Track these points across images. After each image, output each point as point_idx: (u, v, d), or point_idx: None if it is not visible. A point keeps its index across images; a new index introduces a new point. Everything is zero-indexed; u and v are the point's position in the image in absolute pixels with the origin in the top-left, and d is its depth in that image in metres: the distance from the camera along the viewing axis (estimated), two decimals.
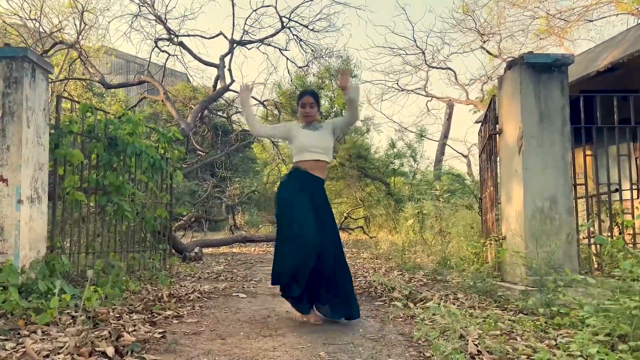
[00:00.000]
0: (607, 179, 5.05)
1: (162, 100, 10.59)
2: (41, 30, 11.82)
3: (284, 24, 11.71)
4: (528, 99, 4.65)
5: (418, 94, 19.39)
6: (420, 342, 3.00)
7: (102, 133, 5.44)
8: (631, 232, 5.12)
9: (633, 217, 5.08)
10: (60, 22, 12.63)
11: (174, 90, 15.88)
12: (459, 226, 7.64)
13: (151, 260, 6.11)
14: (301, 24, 12.12)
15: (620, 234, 5.16)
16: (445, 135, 20.58)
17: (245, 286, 5.69)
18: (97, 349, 2.61)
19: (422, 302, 4.17)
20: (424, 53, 17.95)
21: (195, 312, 4.12)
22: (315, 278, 3.63)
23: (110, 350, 2.58)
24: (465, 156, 21.37)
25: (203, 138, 15.67)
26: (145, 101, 14.92)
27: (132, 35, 42.01)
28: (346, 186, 16.85)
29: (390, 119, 33.71)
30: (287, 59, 13.72)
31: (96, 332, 2.95)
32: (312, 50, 12.89)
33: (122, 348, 2.69)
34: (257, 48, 12.44)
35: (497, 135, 5.22)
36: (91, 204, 5.50)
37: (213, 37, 11.86)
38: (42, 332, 3.03)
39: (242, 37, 11.75)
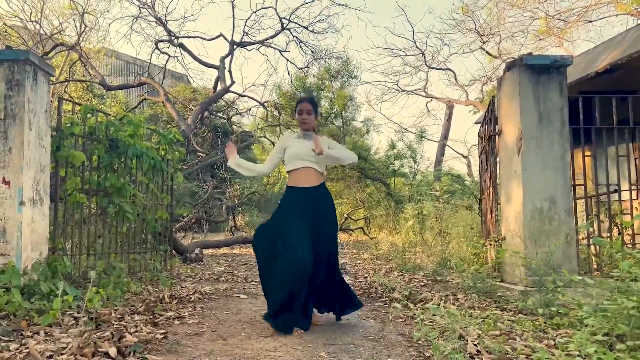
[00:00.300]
0: (606, 179, 5.07)
1: (163, 102, 10.61)
2: (42, 32, 11.85)
3: (284, 26, 11.73)
4: (527, 100, 4.67)
5: (418, 94, 19.43)
6: (420, 342, 3.02)
7: (103, 135, 5.47)
8: (630, 232, 5.15)
9: (632, 217, 5.11)
10: (60, 23, 12.66)
11: (174, 92, 15.90)
12: (459, 227, 7.67)
13: (152, 262, 6.14)
14: (301, 26, 12.15)
15: (619, 234, 5.17)
16: (445, 136, 20.62)
17: (246, 287, 5.71)
18: (99, 349, 2.64)
19: (422, 303, 4.19)
20: (423, 54, 17.99)
21: (197, 313, 4.14)
22: (311, 289, 3.58)
23: (112, 351, 2.60)
24: (465, 157, 21.41)
25: (203, 139, 15.69)
26: (145, 102, 14.92)
27: (132, 37, 42.01)
28: (346, 187, 16.87)
29: (390, 119, 33.84)
30: (287, 60, 13.74)
31: (98, 333, 2.97)
32: (312, 51, 12.93)
33: (124, 349, 2.71)
34: (257, 49, 12.47)
35: (497, 136, 5.24)
36: (92, 206, 5.53)
37: (213, 39, 11.89)
38: (45, 333, 3.06)
39: (242, 38, 11.78)
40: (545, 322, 3.21)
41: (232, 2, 11.24)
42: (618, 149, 5.03)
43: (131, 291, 4.72)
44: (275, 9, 11.57)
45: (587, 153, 5.19)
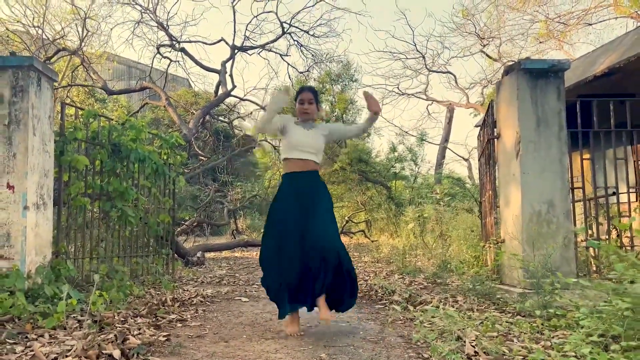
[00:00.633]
0: (604, 182, 5.11)
1: (165, 106, 10.68)
2: (44, 37, 11.92)
3: (285, 30, 11.81)
4: (525, 104, 4.72)
5: (418, 97, 19.50)
6: (419, 344, 3.07)
7: (106, 139, 5.52)
8: (629, 234, 5.19)
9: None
10: (62, 28, 12.73)
11: (175, 96, 15.99)
12: (459, 230, 7.71)
13: (154, 265, 6.19)
14: (302, 30, 12.23)
15: (618, 236, 5.22)
16: (445, 139, 20.65)
17: (247, 290, 5.76)
18: (103, 351, 2.68)
19: (421, 305, 4.23)
20: (424, 57, 18.07)
21: (199, 315, 4.19)
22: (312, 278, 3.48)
23: (116, 353, 2.64)
24: (466, 159, 21.45)
25: (205, 143, 15.77)
26: (147, 106, 15.02)
27: (134, 42, 42.15)
28: (347, 190, 16.90)
29: (391, 122, 33.91)
30: (288, 64, 13.77)
31: (102, 336, 3.02)
32: (312, 55, 13.02)
33: (128, 351, 2.75)
34: (258, 54, 12.56)
35: (495, 139, 5.29)
36: (95, 210, 5.58)
37: (214, 43, 11.97)
38: (50, 335, 3.10)
39: (243, 43, 11.85)
40: (542, 324, 3.25)
41: (233, 7, 11.34)
42: (615, 152, 5.07)
43: (134, 294, 4.76)
44: (276, 14, 11.66)
45: (586, 156, 5.23)
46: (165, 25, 11.39)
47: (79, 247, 5.22)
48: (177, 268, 7.18)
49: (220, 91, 11.23)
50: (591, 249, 5.07)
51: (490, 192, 5.54)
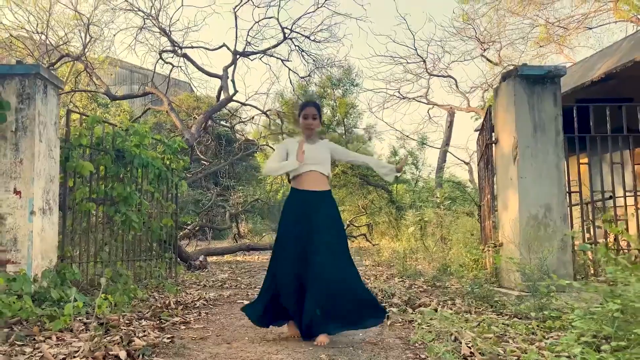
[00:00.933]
0: (601, 186, 5.18)
1: (167, 112, 10.78)
2: (47, 42, 12.04)
3: (286, 35, 11.91)
4: (522, 110, 4.80)
5: (419, 101, 19.55)
6: (416, 345, 3.14)
7: (110, 145, 5.62)
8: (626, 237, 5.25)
9: (627, 223, 5.22)
10: (66, 34, 12.86)
11: (177, 100, 16.10)
12: (459, 233, 7.78)
13: (157, 269, 6.27)
14: (303, 35, 12.33)
15: (615, 240, 5.28)
16: (446, 143, 20.70)
17: (249, 293, 5.83)
18: (110, 352, 2.76)
19: (420, 308, 4.30)
20: (424, 61, 18.13)
21: (202, 318, 4.27)
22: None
23: (123, 354, 2.72)
24: (467, 163, 21.47)
25: (207, 147, 15.87)
26: (149, 110, 15.13)
27: (136, 48, 42.41)
28: (349, 194, 16.99)
29: (392, 126, 33.85)
30: (289, 69, 13.92)
31: (108, 337, 3.10)
32: (313, 60, 13.10)
33: (134, 352, 2.83)
34: (260, 59, 12.65)
35: (494, 144, 5.37)
36: (99, 214, 5.67)
37: (216, 49, 12.09)
38: (57, 337, 3.18)
39: (244, 48, 11.96)
40: (538, 326, 3.32)
41: (235, 13, 11.44)
42: (612, 156, 5.14)
43: (138, 298, 4.84)
44: (278, 19, 11.72)
45: (584, 160, 5.30)
46: (167, 31, 11.51)
47: (83, 251, 5.30)
48: (180, 272, 7.26)
49: (222, 96, 11.34)
50: (589, 252, 5.14)
51: (489, 196, 5.62)
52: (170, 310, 4.36)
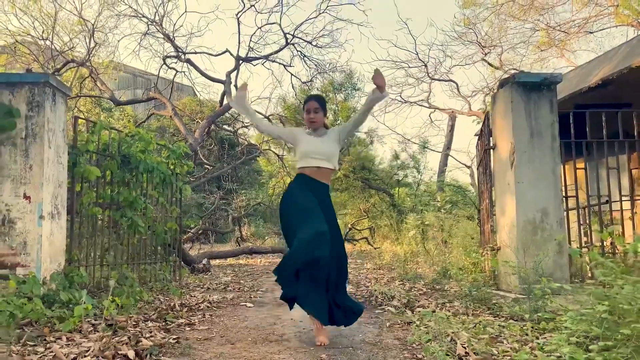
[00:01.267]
0: (597, 190, 5.28)
1: (171, 117, 10.91)
2: (52, 48, 12.18)
3: (288, 41, 12.02)
4: (519, 116, 4.91)
5: (421, 105, 19.61)
6: (414, 345, 3.25)
7: (116, 151, 5.74)
8: (625, 241, 5.34)
9: (623, 227, 5.32)
10: (71, 40, 13.01)
11: (180, 104, 16.24)
12: (459, 237, 7.88)
13: (162, 272, 6.38)
14: (305, 40, 12.42)
15: (611, 243, 5.38)
16: (448, 147, 20.79)
17: (252, 296, 5.95)
18: (119, 352, 2.88)
19: (419, 310, 4.40)
20: (426, 66, 18.22)
21: (206, 320, 4.38)
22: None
23: (131, 354, 2.84)
24: (469, 167, 21.56)
25: (210, 151, 16.00)
26: (153, 115, 15.27)
27: (140, 53, 42.60)
28: (350, 197, 17.10)
29: (394, 130, 33.87)
30: (292, 74, 13.95)
31: (117, 338, 3.22)
32: (315, 65, 13.21)
33: (141, 351, 2.95)
34: (262, 64, 12.75)
35: (491, 149, 5.48)
36: (105, 219, 5.79)
37: (219, 54, 12.18)
38: (67, 338, 3.30)
39: (247, 53, 12.07)
40: (532, 327, 3.42)
41: (238, 19, 11.56)
42: (608, 160, 5.24)
43: (143, 300, 4.96)
44: (280, 25, 11.78)
45: (581, 165, 5.40)
46: (171, 37, 11.63)
47: (90, 254, 5.42)
48: (184, 275, 7.37)
49: (225, 101, 11.45)
50: (586, 257, 5.24)
51: (487, 200, 5.72)
52: (175, 312, 4.47)
